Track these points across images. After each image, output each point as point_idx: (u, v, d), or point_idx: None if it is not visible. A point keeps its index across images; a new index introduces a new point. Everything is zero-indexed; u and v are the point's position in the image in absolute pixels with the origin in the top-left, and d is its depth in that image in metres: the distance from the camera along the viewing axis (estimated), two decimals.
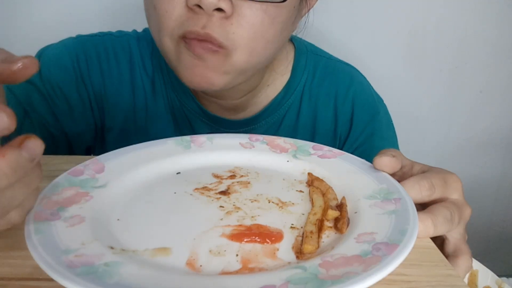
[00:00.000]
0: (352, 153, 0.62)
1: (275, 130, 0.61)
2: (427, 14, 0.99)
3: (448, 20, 1.00)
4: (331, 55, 0.67)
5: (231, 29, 0.43)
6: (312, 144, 0.45)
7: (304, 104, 0.62)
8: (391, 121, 0.66)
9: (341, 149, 0.63)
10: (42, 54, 0.57)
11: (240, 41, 0.44)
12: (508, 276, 0.67)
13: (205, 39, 0.43)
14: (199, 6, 0.41)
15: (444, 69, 1.05)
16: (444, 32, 1.01)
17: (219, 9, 0.41)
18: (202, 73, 0.46)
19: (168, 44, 0.46)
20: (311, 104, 0.62)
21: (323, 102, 0.62)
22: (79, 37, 0.60)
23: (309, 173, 0.40)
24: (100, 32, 0.62)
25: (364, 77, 0.67)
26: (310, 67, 0.62)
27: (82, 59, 0.58)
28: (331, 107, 0.62)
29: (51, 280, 0.23)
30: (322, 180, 0.38)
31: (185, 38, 0.44)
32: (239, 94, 0.57)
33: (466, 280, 0.55)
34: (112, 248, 0.27)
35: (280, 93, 0.60)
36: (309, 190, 0.37)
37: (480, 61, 1.05)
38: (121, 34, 0.62)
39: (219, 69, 0.46)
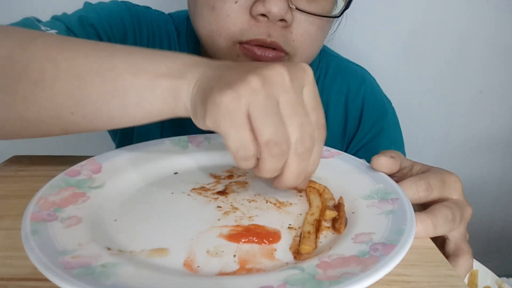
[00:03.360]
0: (358, 150, 0.64)
1: None
2: (427, 14, 0.99)
3: (448, 20, 1.00)
4: (343, 57, 0.69)
5: (291, 37, 0.46)
6: None
7: None
8: (399, 124, 0.67)
9: (348, 145, 0.64)
10: (93, 4, 0.56)
11: (300, 47, 0.48)
12: (508, 276, 0.66)
13: (271, 47, 0.46)
14: (263, 15, 0.43)
15: (444, 69, 1.05)
16: (444, 32, 1.01)
17: (281, 19, 0.44)
18: None
19: (222, 45, 0.47)
20: (323, 100, 0.62)
21: (334, 98, 0.64)
22: (127, 3, 0.60)
23: None
24: (141, 5, 0.62)
25: (375, 79, 0.69)
26: (323, 65, 0.64)
27: (136, 21, 0.57)
28: (342, 104, 0.64)
29: (51, 280, 0.23)
30: (314, 182, 0.38)
31: (245, 44, 0.46)
32: None
33: (466, 280, 0.54)
34: (109, 249, 0.27)
35: None
36: (306, 190, 0.37)
37: (480, 61, 1.04)
38: (160, 13, 0.63)
39: None
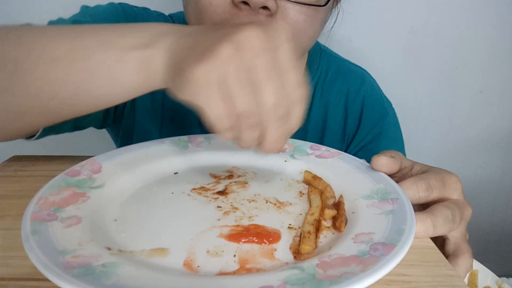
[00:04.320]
0: (358, 151, 0.64)
1: None
2: (427, 14, 0.99)
3: (448, 20, 1.00)
4: (344, 58, 0.69)
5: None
6: (309, 144, 0.45)
7: (316, 100, 0.63)
8: (399, 125, 0.67)
9: (348, 146, 0.64)
10: (89, 8, 0.56)
11: None
12: (508, 276, 0.66)
13: None
14: (245, 3, 0.42)
15: (444, 69, 1.05)
16: (444, 32, 1.01)
17: (264, 7, 0.43)
18: None
19: None
20: (323, 100, 0.63)
21: (334, 99, 0.64)
22: (123, 4, 0.60)
23: (305, 171, 0.40)
24: (139, 7, 0.61)
25: (375, 80, 0.69)
26: (323, 66, 0.64)
27: (132, 22, 0.57)
28: (342, 104, 0.64)
29: (51, 280, 0.23)
30: (320, 178, 0.38)
31: None
32: None
33: (466, 280, 0.54)
34: (109, 249, 0.27)
35: None
36: (308, 190, 0.37)
37: (480, 61, 1.04)
38: (159, 13, 0.62)
39: None
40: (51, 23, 0.52)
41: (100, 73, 0.32)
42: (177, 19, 0.62)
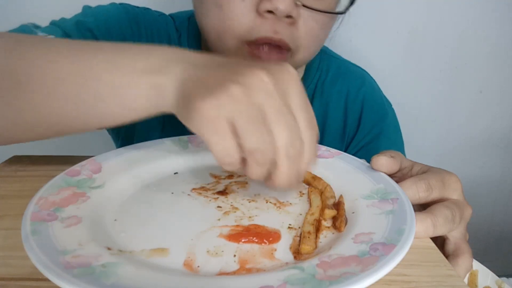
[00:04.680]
0: (357, 151, 0.64)
1: None
2: (427, 14, 0.99)
3: (448, 20, 1.00)
4: (344, 58, 0.69)
5: (297, 33, 0.46)
6: None
7: (316, 100, 0.63)
8: (399, 126, 0.68)
9: (348, 146, 0.64)
10: (92, 8, 0.56)
11: (303, 43, 0.48)
12: (508, 276, 0.66)
13: (278, 44, 0.46)
14: (270, 12, 0.44)
15: (444, 69, 1.05)
16: (444, 32, 1.01)
17: (288, 16, 0.44)
18: None
19: (230, 45, 0.47)
20: (323, 101, 0.64)
21: (334, 99, 0.64)
22: (125, 5, 0.60)
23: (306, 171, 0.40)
24: (140, 7, 0.61)
25: (375, 81, 0.69)
26: (324, 66, 0.65)
27: (134, 23, 0.57)
28: (342, 105, 0.64)
29: (51, 280, 0.23)
30: (320, 178, 0.38)
31: (253, 42, 0.46)
32: None
33: (466, 280, 0.54)
34: (109, 248, 0.27)
35: None
36: (308, 190, 0.37)
37: (480, 61, 1.04)
38: (160, 13, 0.62)
39: None
40: (53, 23, 0.52)
41: (110, 95, 0.32)
42: (178, 18, 0.62)
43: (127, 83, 0.31)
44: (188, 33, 0.61)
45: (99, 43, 0.35)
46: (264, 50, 0.46)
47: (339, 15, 0.52)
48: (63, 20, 0.53)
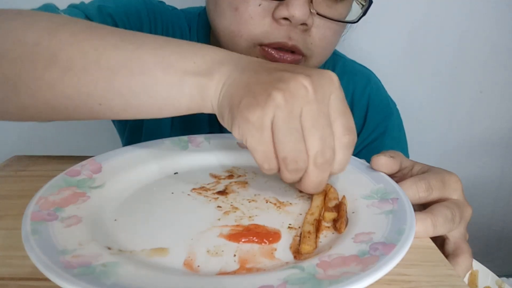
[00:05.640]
0: (362, 149, 0.64)
1: None
2: (427, 14, 0.99)
3: (448, 20, 1.00)
4: (349, 58, 0.70)
5: (310, 40, 0.48)
6: None
7: None
8: (403, 125, 0.68)
9: None
10: None
11: (316, 50, 0.49)
12: (508, 276, 0.66)
13: (291, 49, 0.47)
14: (286, 19, 0.44)
15: (444, 69, 1.05)
16: (444, 32, 1.01)
17: (303, 23, 0.45)
18: None
19: (244, 46, 0.48)
20: None
21: None
22: None
23: None
24: (156, 0, 0.62)
25: (380, 80, 0.69)
26: (329, 65, 0.65)
27: (151, 14, 0.58)
28: (348, 102, 0.64)
29: (51, 280, 0.23)
30: None
31: (266, 46, 0.47)
32: None
33: (466, 280, 0.54)
34: (109, 248, 0.27)
35: None
36: None
37: (480, 61, 1.04)
38: (173, 8, 0.63)
39: None
40: (73, 6, 0.52)
41: (155, 92, 0.33)
42: (188, 14, 0.63)
43: (175, 81, 0.32)
44: (197, 29, 0.61)
45: (149, 38, 0.35)
46: (276, 54, 0.47)
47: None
48: (82, 4, 0.53)
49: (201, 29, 0.60)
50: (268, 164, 0.30)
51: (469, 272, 0.55)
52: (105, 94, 0.33)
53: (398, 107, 0.69)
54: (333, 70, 0.64)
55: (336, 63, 0.66)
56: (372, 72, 0.70)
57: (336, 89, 0.30)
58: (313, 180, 0.30)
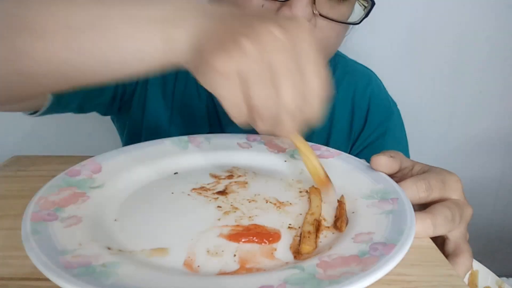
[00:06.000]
0: (363, 149, 0.64)
1: None
2: (427, 14, 0.99)
3: (448, 20, 1.00)
4: (350, 58, 0.70)
5: None
6: (309, 144, 0.45)
7: None
8: (403, 126, 0.68)
9: (354, 144, 0.65)
10: None
11: (319, 51, 0.47)
12: (508, 276, 0.66)
13: None
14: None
15: (444, 69, 1.05)
16: (444, 32, 1.01)
17: None
18: None
19: None
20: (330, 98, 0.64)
21: (341, 97, 0.65)
22: None
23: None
24: None
25: (381, 81, 0.69)
26: (331, 65, 0.65)
27: None
28: (349, 102, 0.65)
29: (51, 280, 0.23)
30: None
31: None
32: None
33: (466, 280, 0.54)
34: (109, 248, 0.27)
35: None
36: (309, 190, 0.37)
37: (480, 61, 1.04)
38: None
39: None
40: None
41: (124, 45, 0.32)
42: None
43: (141, 33, 0.32)
44: None
45: None
46: None
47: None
48: None
49: None
50: (238, 110, 0.29)
51: (469, 272, 0.55)
52: (75, 54, 0.33)
53: (398, 107, 0.69)
54: (335, 70, 0.65)
55: (337, 63, 0.66)
56: (373, 72, 0.70)
57: (307, 36, 0.30)
58: (287, 128, 0.30)
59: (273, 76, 0.28)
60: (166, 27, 0.31)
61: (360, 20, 0.50)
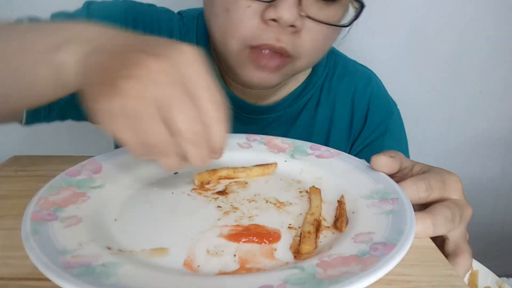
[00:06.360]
0: (363, 149, 0.64)
1: (293, 119, 0.64)
2: (427, 14, 0.99)
3: (448, 20, 1.00)
4: (350, 58, 0.70)
5: (299, 42, 0.47)
6: (309, 144, 0.45)
7: (323, 97, 0.64)
8: (403, 126, 0.68)
9: (353, 143, 0.65)
10: (90, 5, 0.57)
11: (305, 52, 0.49)
12: (508, 276, 0.66)
13: (279, 51, 0.47)
14: (274, 20, 0.44)
15: (444, 69, 1.05)
16: (444, 32, 1.01)
17: (291, 25, 0.45)
18: (265, 77, 0.49)
19: (233, 48, 0.48)
20: (330, 98, 0.65)
21: (341, 97, 0.65)
22: (128, 1, 0.61)
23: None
24: (145, 3, 0.63)
25: (380, 81, 0.69)
26: (331, 65, 0.65)
27: (130, 19, 0.58)
28: (349, 102, 0.65)
29: (51, 280, 0.23)
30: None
31: (255, 47, 0.47)
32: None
33: (466, 280, 0.54)
34: (109, 248, 0.27)
35: (301, 85, 0.63)
36: (309, 190, 0.37)
37: (480, 61, 1.04)
38: (164, 9, 0.63)
39: (281, 73, 0.50)
40: (54, 16, 0.53)
41: (19, 76, 0.34)
42: (187, 15, 0.63)
43: (31, 62, 0.33)
44: (196, 30, 0.61)
45: (23, 27, 0.37)
46: (265, 53, 0.47)
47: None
48: (61, 13, 0.54)
49: (199, 30, 0.61)
50: (136, 151, 0.29)
51: (469, 272, 0.55)
52: None
53: (398, 107, 0.69)
54: (334, 70, 0.65)
55: (337, 63, 0.66)
56: (373, 72, 0.70)
57: (194, 63, 0.29)
58: (195, 157, 0.29)
59: (161, 110, 0.27)
60: (51, 54, 0.32)
61: (349, 23, 0.49)
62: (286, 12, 0.42)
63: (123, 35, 0.32)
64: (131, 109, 0.27)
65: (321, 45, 0.50)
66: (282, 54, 0.47)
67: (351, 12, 0.50)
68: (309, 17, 0.45)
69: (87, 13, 0.55)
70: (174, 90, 0.28)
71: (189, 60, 0.29)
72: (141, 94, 0.27)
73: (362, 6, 0.48)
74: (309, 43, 0.47)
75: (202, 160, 0.30)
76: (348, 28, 0.56)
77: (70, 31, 0.34)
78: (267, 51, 0.47)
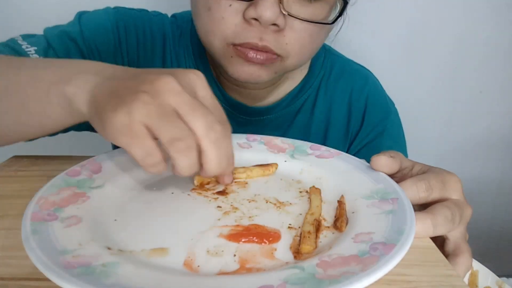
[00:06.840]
0: (360, 149, 0.64)
1: (290, 120, 0.64)
2: (427, 14, 0.99)
3: (448, 20, 1.00)
4: (348, 58, 0.70)
5: (284, 40, 0.47)
6: (309, 144, 0.45)
7: (320, 97, 0.64)
8: (401, 125, 0.68)
9: (351, 143, 0.65)
10: (82, 16, 0.58)
11: (292, 50, 0.48)
12: (508, 276, 0.66)
13: (262, 50, 0.47)
14: (256, 19, 0.44)
15: (444, 69, 1.05)
16: (444, 32, 1.01)
17: (274, 24, 0.45)
18: (254, 72, 0.49)
19: (217, 46, 0.49)
20: (327, 98, 0.65)
21: (338, 97, 0.65)
22: (119, 8, 0.61)
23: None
24: (136, 8, 0.63)
25: (378, 80, 0.69)
26: (328, 65, 0.65)
27: (122, 27, 0.59)
28: (346, 102, 0.65)
29: (51, 280, 0.23)
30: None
31: (238, 46, 0.47)
32: (264, 85, 0.59)
33: (466, 280, 0.54)
34: (109, 248, 0.27)
35: (298, 85, 0.63)
36: (309, 190, 0.37)
37: (480, 61, 1.04)
38: (156, 13, 0.64)
39: (271, 70, 0.50)
40: (47, 30, 0.54)
41: (31, 106, 0.36)
42: (181, 18, 0.63)
43: (42, 93, 0.34)
44: (191, 32, 0.62)
45: (26, 59, 0.39)
46: (249, 53, 0.47)
47: (340, 19, 0.53)
48: (54, 27, 0.55)
49: (194, 33, 0.61)
50: (151, 158, 0.29)
51: (469, 272, 0.55)
52: None
53: (397, 106, 0.69)
54: (331, 70, 0.65)
55: (334, 63, 0.66)
56: (370, 72, 0.70)
57: (203, 85, 0.31)
58: (213, 157, 0.29)
59: (179, 114, 0.28)
60: (61, 86, 0.33)
61: (333, 20, 0.49)
62: (266, 10, 0.42)
63: (127, 68, 0.34)
64: (149, 112, 0.28)
65: (308, 43, 0.49)
66: (270, 53, 0.47)
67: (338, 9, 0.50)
68: (291, 15, 0.45)
69: (79, 25, 0.56)
70: (190, 97, 0.29)
71: (197, 77, 0.31)
72: (160, 102, 0.28)
73: (345, 2, 0.48)
74: (294, 41, 0.47)
75: (219, 164, 0.30)
76: (339, 25, 0.56)
77: (80, 65, 0.35)
78: (250, 52, 0.47)
